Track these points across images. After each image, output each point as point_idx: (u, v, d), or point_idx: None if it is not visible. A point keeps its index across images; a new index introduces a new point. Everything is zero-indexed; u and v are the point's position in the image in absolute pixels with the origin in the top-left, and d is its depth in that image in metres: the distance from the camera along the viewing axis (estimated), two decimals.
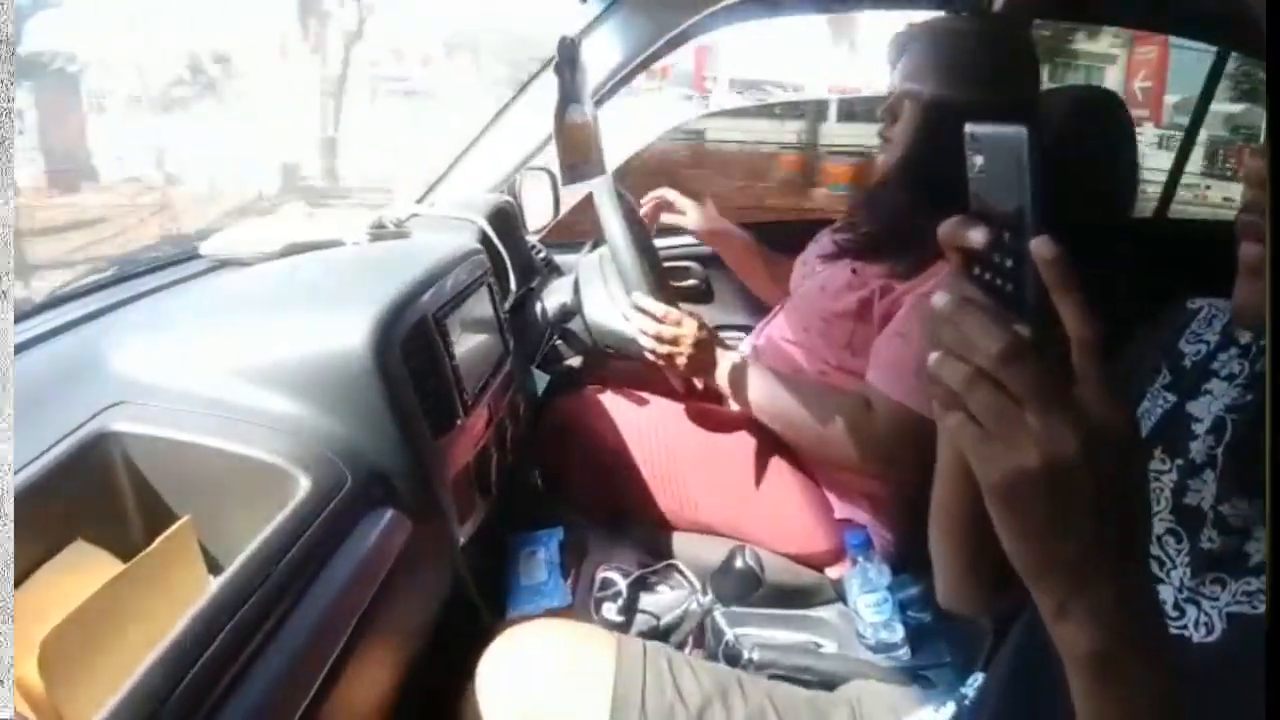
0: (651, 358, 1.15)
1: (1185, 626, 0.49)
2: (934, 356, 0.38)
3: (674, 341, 1.13)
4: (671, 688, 0.80)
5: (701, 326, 1.15)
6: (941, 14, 1.38)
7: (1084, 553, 0.36)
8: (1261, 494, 0.40)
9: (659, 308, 1.14)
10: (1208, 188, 7.50)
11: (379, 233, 1.14)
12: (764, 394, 1.12)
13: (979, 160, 0.38)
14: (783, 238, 1.49)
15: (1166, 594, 0.51)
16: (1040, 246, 0.35)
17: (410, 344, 0.78)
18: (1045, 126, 1.17)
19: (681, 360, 1.14)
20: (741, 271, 1.57)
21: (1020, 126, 0.36)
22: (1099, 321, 0.35)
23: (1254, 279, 0.46)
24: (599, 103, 1.39)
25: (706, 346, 1.14)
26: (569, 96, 1.03)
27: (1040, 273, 0.35)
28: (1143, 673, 0.38)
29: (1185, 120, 2.04)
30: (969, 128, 0.38)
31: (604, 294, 1.23)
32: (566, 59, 1.03)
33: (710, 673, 0.84)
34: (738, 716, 0.80)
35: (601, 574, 1.11)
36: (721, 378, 1.15)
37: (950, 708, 0.75)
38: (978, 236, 0.38)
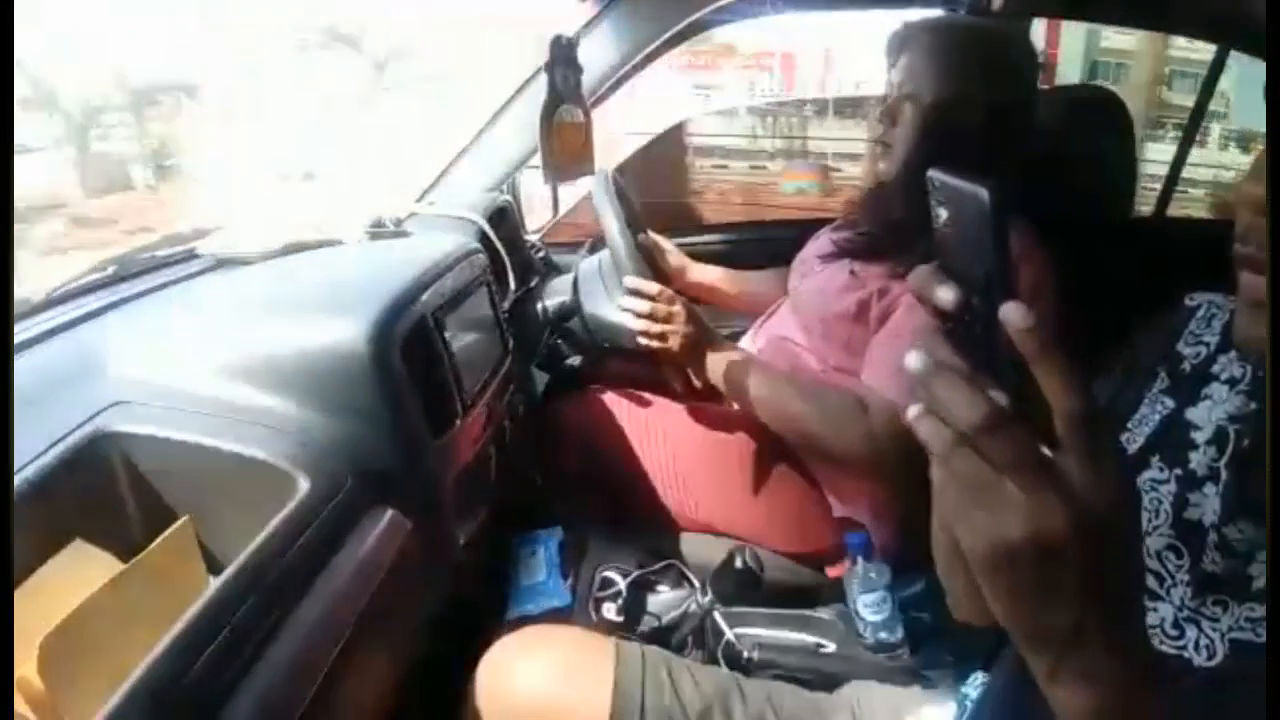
0: (644, 341, 1.15)
1: (1185, 647, 0.48)
2: (913, 410, 0.36)
3: (666, 320, 1.13)
4: (670, 693, 0.79)
5: (692, 312, 1.15)
6: (940, 13, 1.38)
7: (1074, 622, 0.35)
8: (1265, 516, 0.38)
9: (651, 286, 1.14)
10: None
11: (378, 232, 1.14)
12: (759, 388, 1.12)
13: (943, 213, 0.36)
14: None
15: (1166, 611, 0.50)
16: (1011, 313, 0.33)
17: (409, 344, 0.78)
18: (1045, 127, 1.17)
19: (675, 343, 1.13)
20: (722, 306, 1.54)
21: (981, 186, 0.33)
22: (1082, 388, 0.33)
23: (1256, 312, 0.44)
24: (597, 102, 1.39)
25: (698, 329, 1.14)
26: (558, 96, 1.03)
27: (1013, 341, 0.33)
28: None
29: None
30: (931, 173, 0.36)
31: (602, 291, 1.24)
32: (558, 58, 1.03)
33: (710, 677, 0.84)
34: None
35: (601, 573, 1.11)
36: (713, 367, 1.15)
37: (951, 708, 0.74)
38: (946, 296, 0.36)
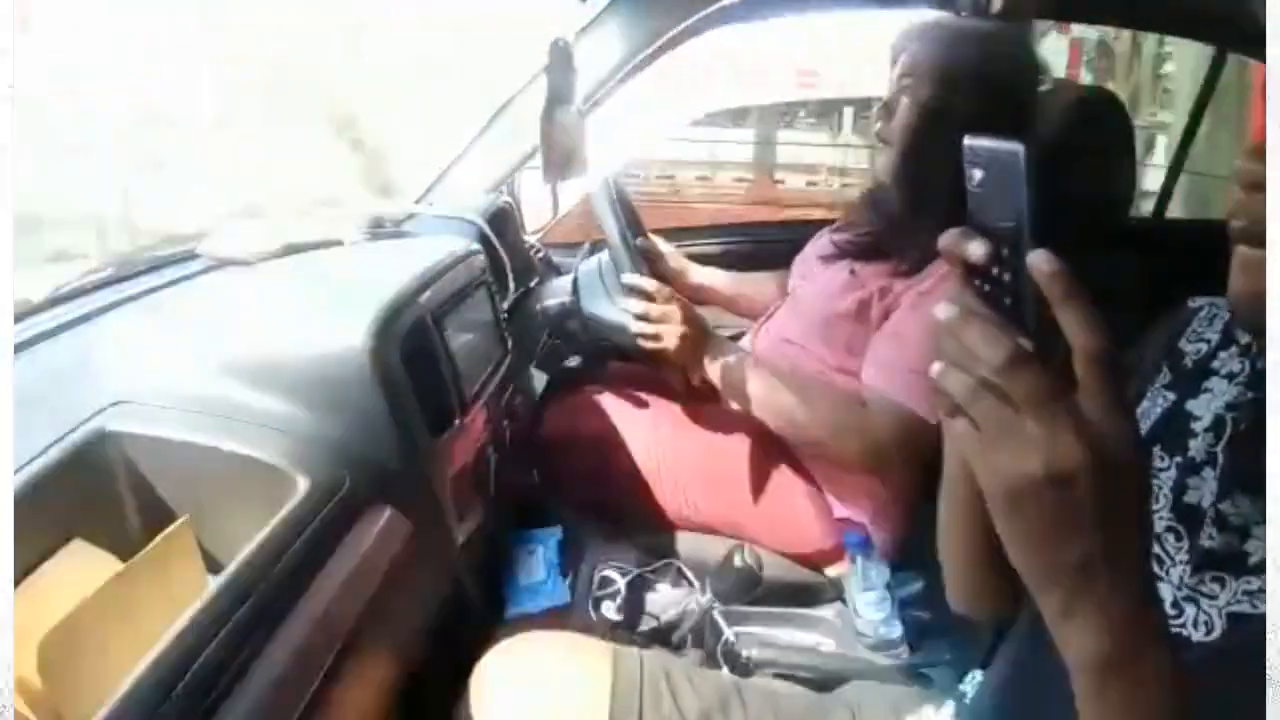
0: (643, 342, 1.15)
1: (1184, 625, 0.49)
2: (937, 366, 0.38)
3: (663, 320, 1.13)
4: (669, 700, 0.79)
5: (690, 311, 1.15)
6: (942, 14, 1.38)
7: (1088, 559, 0.36)
8: (1262, 492, 0.40)
9: (650, 284, 1.15)
10: None
11: (377, 232, 1.14)
12: (758, 388, 1.12)
13: (977, 174, 0.38)
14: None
15: (1165, 592, 0.51)
16: (1039, 260, 0.36)
17: (409, 344, 0.78)
18: (1045, 127, 1.17)
19: (672, 341, 1.13)
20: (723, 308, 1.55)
21: (1016, 142, 0.36)
22: (1101, 331, 0.35)
23: (1248, 274, 0.46)
24: (597, 103, 1.39)
25: (696, 329, 1.14)
26: (558, 97, 1.04)
27: (1040, 286, 0.36)
28: (1147, 677, 0.38)
29: None
30: (968, 140, 0.39)
31: (602, 292, 1.24)
32: (558, 60, 1.03)
33: (709, 682, 0.83)
34: None
35: (600, 573, 1.11)
36: (712, 367, 1.15)
37: (950, 707, 0.75)
38: (977, 250, 0.38)
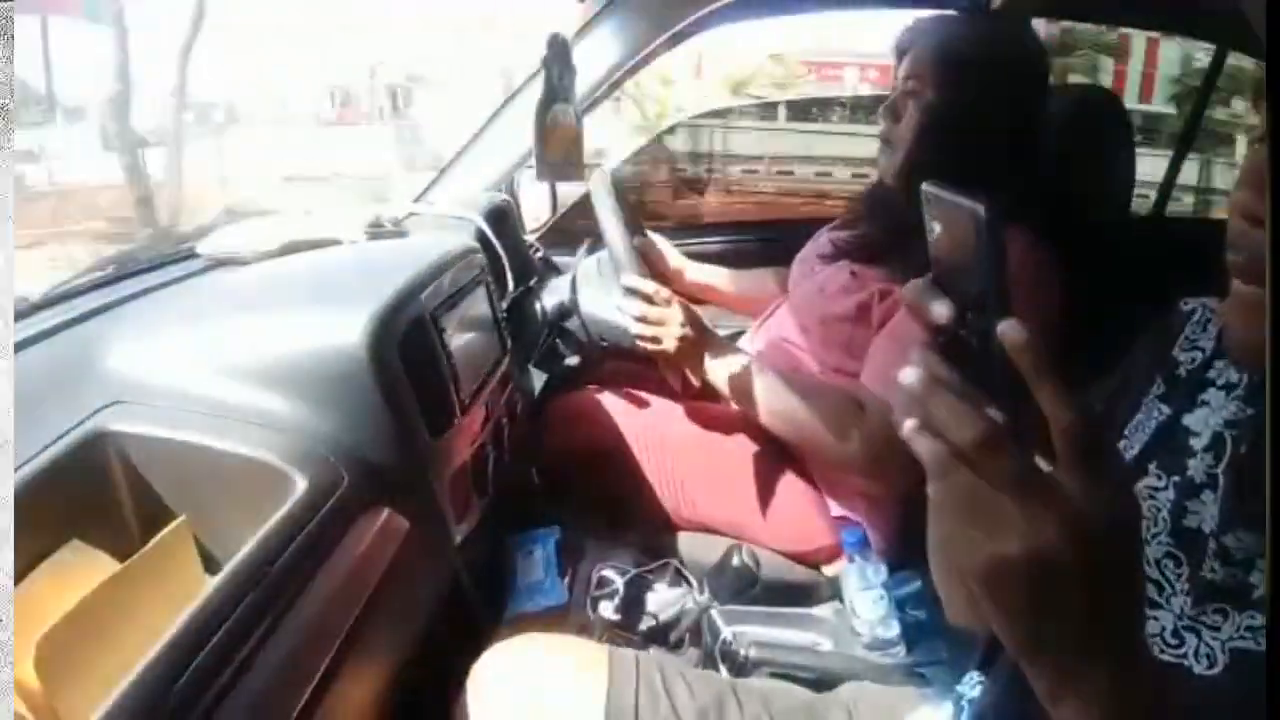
0: (641, 344, 1.15)
1: (1185, 656, 0.48)
2: (908, 426, 0.36)
3: (661, 321, 1.13)
4: (665, 701, 0.79)
5: (689, 312, 1.15)
6: (947, 13, 1.38)
7: (1075, 639, 0.35)
8: (1265, 524, 0.38)
9: (648, 285, 1.14)
10: None
11: (376, 231, 1.14)
12: (756, 389, 1.12)
13: (937, 228, 0.35)
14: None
15: (1165, 620, 0.49)
16: (1009, 331, 0.33)
17: (407, 343, 0.78)
18: (1046, 126, 1.17)
19: (671, 343, 1.13)
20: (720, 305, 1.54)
21: (977, 202, 0.32)
22: (1077, 403, 0.33)
23: (1246, 316, 0.44)
24: (596, 103, 1.39)
25: (695, 330, 1.14)
26: (554, 94, 1.03)
27: (1010, 357, 0.33)
28: None
29: None
30: (925, 187, 0.36)
31: (601, 291, 1.24)
32: (555, 57, 1.03)
33: (705, 683, 0.83)
34: None
35: (599, 572, 1.11)
36: (711, 367, 1.15)
37: (947, 708, 0.75)
38: (941, 311, 0.36)
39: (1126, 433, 0.59)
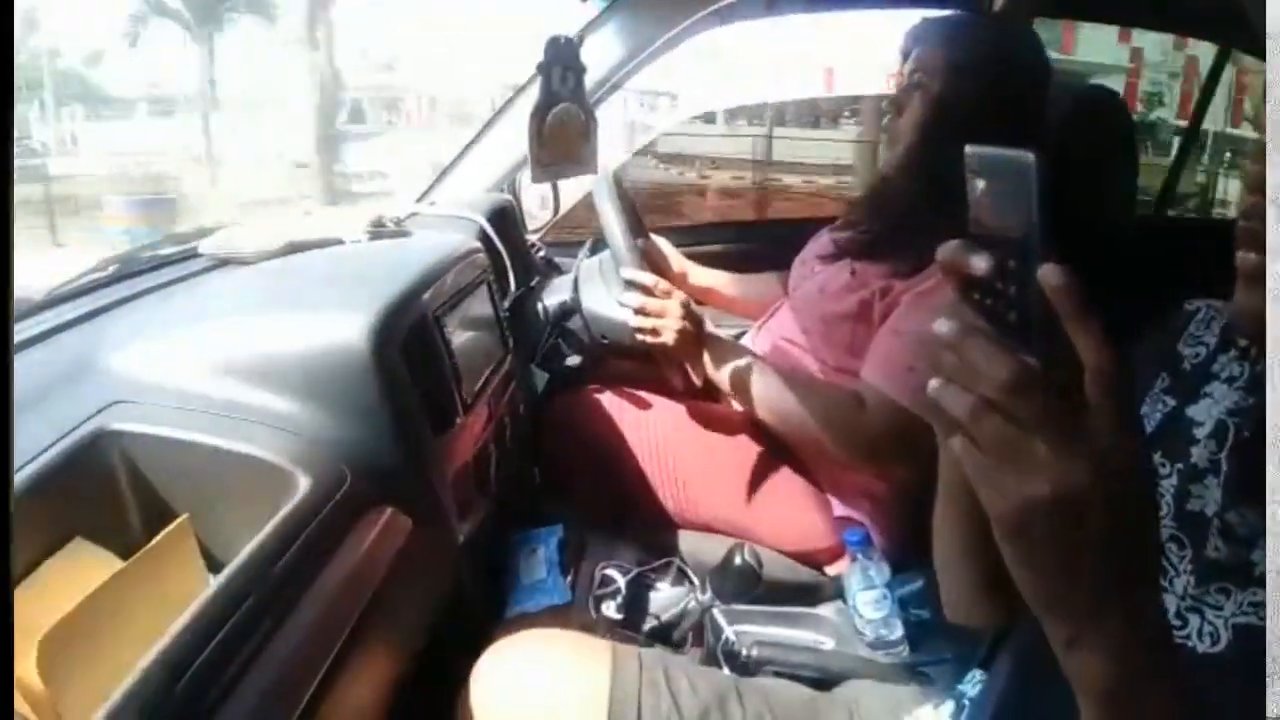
0: (641, 337, 1.15)
1: (1189, 636, 0.49)
2: (934, 383, 0.37)
3: (660, 314, 1.13)
4: (668, 698, 0.79)
5: (689, 307, 1.15)
6: (953, 11, 1.38)
7: (1096, 584, 0.35)
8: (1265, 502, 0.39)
9: (648, 277, 1.15)
10: None
11: (379, 231, 1.14)
12: (757, 386, 1.12)
13: (980, 183, 0.37)
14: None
15: (1169, 601, 0.50)
16: (1049, 274, 0.34)
17: (410, 342, 0.78)
18: (1047, 126, 1.17)
19: (670, 335, 1.13)
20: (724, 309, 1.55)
21: (1027, 151, 0.35)
22: (1114, 348, 0.34)
23: (1254, 285, 0.45)
24: (597, 103, 1.39)
25: (695, 324, 1.14)
26: (553, 96, 1.04)
27: (1050, 300, 0.34)
28: (1155, 705, 0.37)
29: None
30: (969, 149, 0.37)
31: (602, 289, 1.24)
32: (555, 58, 1.03)
33: (707, 680, 0.83)
34: None
35: (601, 571, 1.11)
36: (711, 363, 1.15)
37: (949, 706, 0.74)
38: (980, 263, 0.37)
39: None
